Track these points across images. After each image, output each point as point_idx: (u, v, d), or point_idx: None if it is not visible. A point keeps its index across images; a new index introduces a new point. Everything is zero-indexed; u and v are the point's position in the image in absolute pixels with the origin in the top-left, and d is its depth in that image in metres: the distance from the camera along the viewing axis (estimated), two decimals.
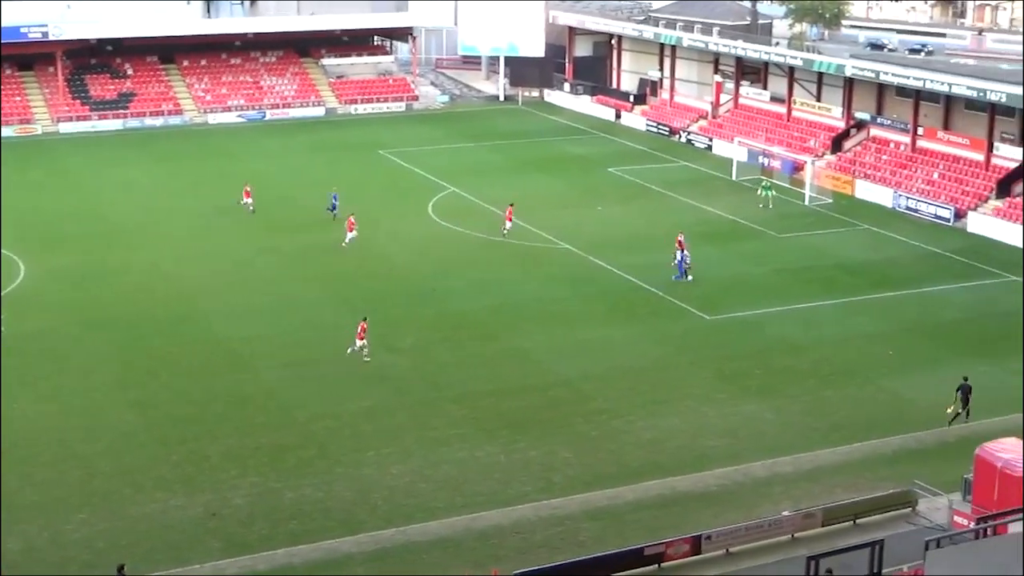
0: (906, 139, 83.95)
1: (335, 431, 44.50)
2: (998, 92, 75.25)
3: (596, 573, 34.74)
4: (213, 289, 60.26)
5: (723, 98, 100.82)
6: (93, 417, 45.29)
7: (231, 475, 41.03)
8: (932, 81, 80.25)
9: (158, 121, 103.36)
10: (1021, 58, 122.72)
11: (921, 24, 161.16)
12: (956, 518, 36.81)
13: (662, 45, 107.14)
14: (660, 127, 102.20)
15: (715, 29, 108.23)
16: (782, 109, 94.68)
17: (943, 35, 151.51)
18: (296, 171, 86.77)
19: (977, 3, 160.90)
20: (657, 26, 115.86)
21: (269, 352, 52.12)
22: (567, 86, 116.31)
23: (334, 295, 59.46)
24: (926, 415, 46.41)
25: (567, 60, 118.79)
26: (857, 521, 38.31)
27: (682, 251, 61.96)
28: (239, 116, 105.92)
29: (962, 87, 78.09)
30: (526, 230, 70.05)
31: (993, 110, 77.62)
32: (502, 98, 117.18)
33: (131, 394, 47.52)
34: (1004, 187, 75.41)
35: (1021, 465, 34.70)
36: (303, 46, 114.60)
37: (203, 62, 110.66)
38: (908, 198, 77.73)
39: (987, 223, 72.76)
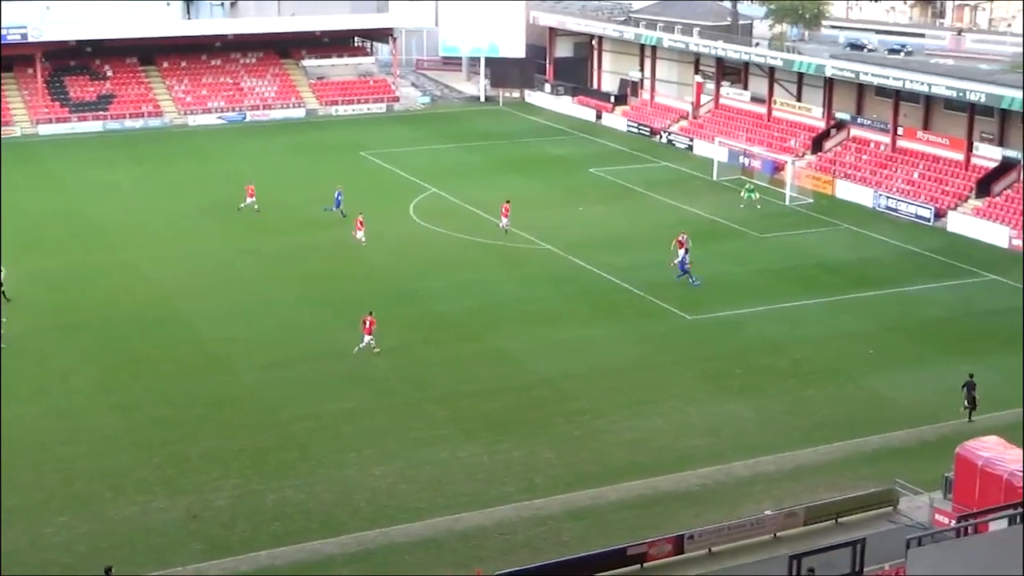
0: (886, 139, 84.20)
1: (317, 432, 44.42)
2: (977, 92, 75.51)
3: (579, 573, 34.76)
4: (194, 291, 60.10)
5: (704, 98, 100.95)
6: (74, 420, 45.12)
7: (213, 477, 40.92)
8: (912, 81, 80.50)
9: (138, 123, 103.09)
10: (999, 58, 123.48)
11: (900, 24, 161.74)
12: (937, 516, 36.92)
13: (642, 46, 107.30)
14: (641, 127, 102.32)
15: (695, 30, 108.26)
16: (762, 109, 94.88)
17: (922, 35, 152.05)
18: (277, 173, 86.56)
19: (956, 3, 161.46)
20: (637, 27, 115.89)
21: (250, 354, 52.00)
22: (548, 87, 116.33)
23: (315, 296, 59.35)
24: (907, 414, 46.58)
25: (548, 61, 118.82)
26: (839, 520, 38.42)
27: (683, 251, 61.92)
28: (219, 118, 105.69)
29: (941, 87, 78.34)
30: (508, 231, 69.97)
31: (972, 110, 77.88)
32: (483, 99, 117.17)
33: (112, 396, 47.36)
34: (984, 187, 75.70)
35: (1001, 464, 34.79)
36: (283, 47, 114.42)
37: (183, 63, 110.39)
38: (888, 198, 77.96)
39: (967, 222, 73.01)
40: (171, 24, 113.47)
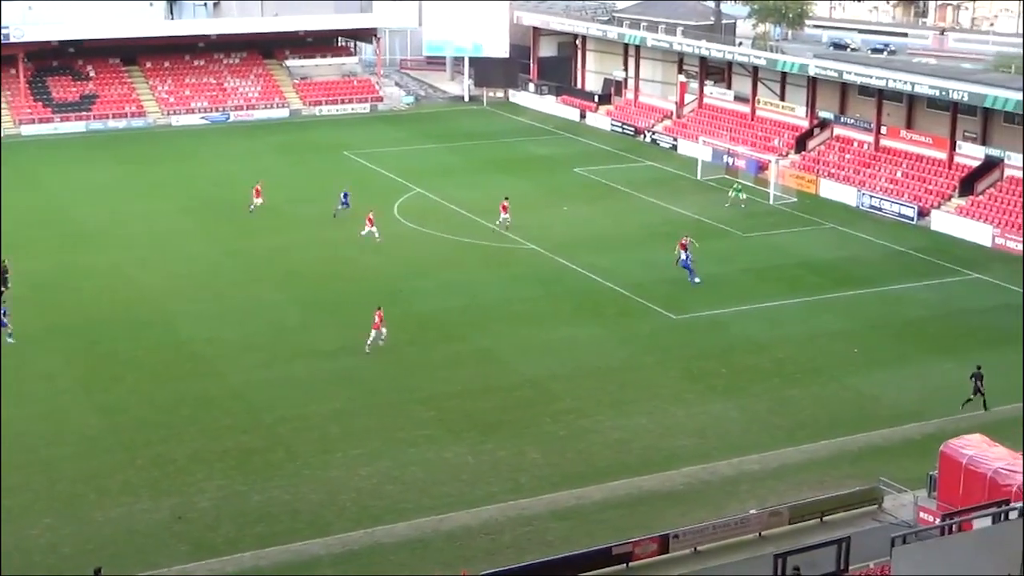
0: (869, 138, 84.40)
1: (302, 433, 44.37)
2: (960, 91, 75.77)
3: (564, 573, 34.78)
4: (178, 292, 59.95)
5: (687, 98, 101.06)
6: (58, 421, 44.98)
7: (197, 478, 40.85)
8: (895, 80, 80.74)
9: (121, 123, 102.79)
10: (982, 57, 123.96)
11: (883, 24, 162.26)
12: (921, 514, 37.03)
13: (626, 45, 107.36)
14: (625, 127, 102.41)
15: (679, 29, 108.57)
16: (746, 109, 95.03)
17: (905, 35, 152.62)
18: (261, 173, 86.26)
19: (939, 3, 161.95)
20: (621, 26, 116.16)
21: (235, 355, 51.92)
22: (532, 86, 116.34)
23: (300, 297, 59.29)
24: (891, 412, 46.74)
25: (532, 60, 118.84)
26: (824, 518, 38.52)
27: (685, 251, 61.98)
28: (203, 118, 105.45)
29: (924, 86, 78.59)
30: (492, 231, 70.01)
31: (955, 109, 78.12)
32: (467, 99, 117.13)
33: (96, 398, 47.24)
34: (967, 185, 75.92)
35: (985, 462, 34.91)
36: (267, 47, 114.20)
37: (166, 64, 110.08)
38: (872, 197, 78.16)
39: (950, 221, 73.23)
40: (154, 24, 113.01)
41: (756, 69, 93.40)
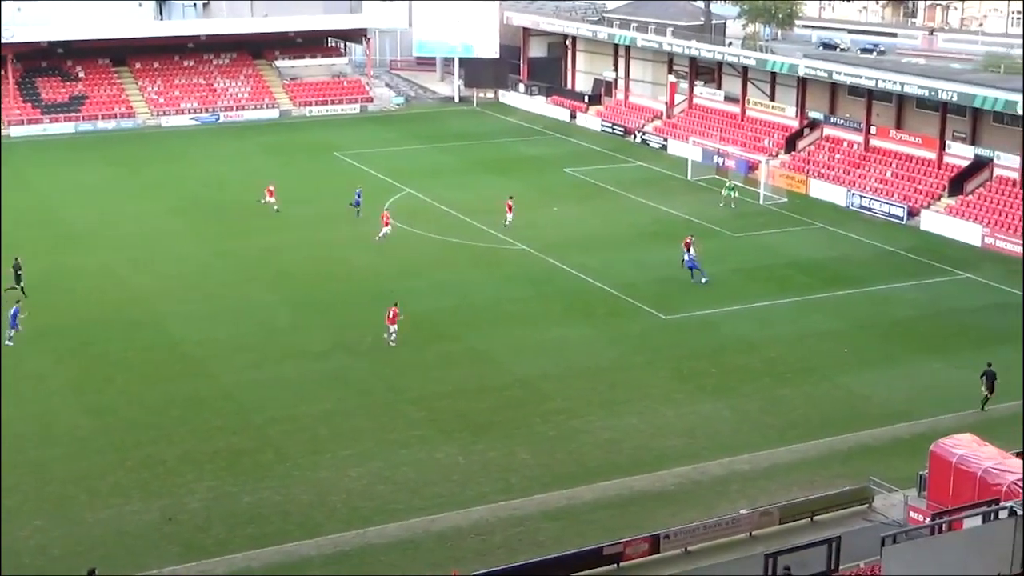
0: (859, 138, 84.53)
1: (293, 434, 44.33)
2: (949, 91, 75.88)
3: (555, 573, 34.78)
4: (168, 293, 59.87)
5: (677, 98, 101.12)
6: (48, 423, 44.90)
7: (188, 479, 40.79)
8: (884, 80, 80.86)
9: (110, 124, 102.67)
10: (971, 57, 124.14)
11: (873, 24, 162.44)
12: (912, 514, 37.07)
13: (616, 46, 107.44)
14: (615, 127, 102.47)
15: (669, 30, 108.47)
16: (736, 109, 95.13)
17: (894, 35, 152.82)
18: (251, 174, 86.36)
19: (928, 3, 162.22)
20: (611, 27, 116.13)
21: (225, 356, 51.86)
22: (522, 87, 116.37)
23: (291, 298, 59.25)
24: (881, 412, 46.81)
25: (522, 61, 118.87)
26: (814, 518, 38.56)
27: (689, 251, 62.05)
28: (192, 119, 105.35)
29: (914, 86, 78.71)
30: (482, 231, 70.10)
31: (945, 109, 78.26)
32: (457, 99, 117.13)
33: (86, 399, 47.16)
34: (956, 185, 76.06)
35: (975, 461, 34.95)
36: (256, 48, 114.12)
37: (156, 64, 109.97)
38: (862, 197, 78.26)
39: (940, 221, 73.36)
40: (143, 25, 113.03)
41: (746, 69, 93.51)
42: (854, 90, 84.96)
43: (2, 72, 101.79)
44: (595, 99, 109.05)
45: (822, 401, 48.08)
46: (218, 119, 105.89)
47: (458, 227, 71.16)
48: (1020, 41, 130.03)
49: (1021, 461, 35.45)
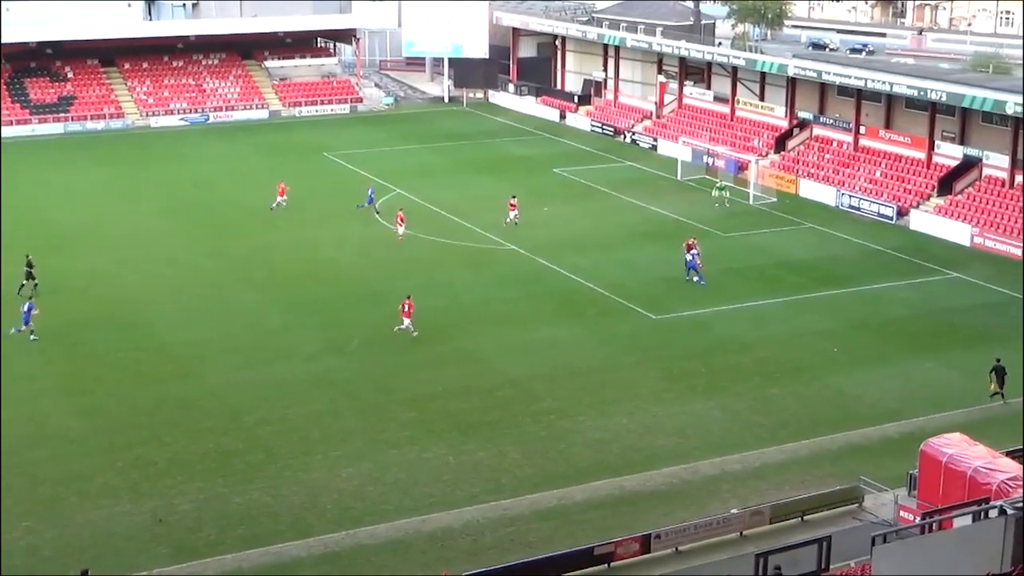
0: (848, 138, 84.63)
1: (283, 435, 44.27)
2: (938, 91, 76.00)
3: (546, 574, 34.77)
4: (158, 294, 59.76)
5: (667, 98, 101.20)
6: (37, 424, 44.79)
7: (178, 480, 40.72)
8: (873, 80, 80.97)
9: (99, 124, 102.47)
10: (960, 57, 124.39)
11: (862, 24, 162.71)
12: (902, 513, 37.14)
13: (606, 46, 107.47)
14: (605, 127, 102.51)
15: (658, 30, 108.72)
16: (726, 109, 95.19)
17: (884, 35, 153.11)
18: (241, 174, 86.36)
19: (917, 3, 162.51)
20: (601, 27, 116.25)
21: (215, 356, 51.78)
22: (511, 87, 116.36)
23: (281, 299, 59.17)
24: (872, 411, 46.87)
25: (511, 61, 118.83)
26: (805, 518, 38.59)
27: (690, 251, 62.12)
28: (182, 119, 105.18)
29: (903, 86, 78.82)
30: (472, 231, 70.07)
31: (934, 109, 78.37)
32: (447, 100, 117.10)
33: (76, 400, 47.06)
34: (945, 185, 76.16)
35: (965, 460, 35.03)
36: (246, 48, 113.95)
37: (145, 65, 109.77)
38: (851, 196, 78.36)
39: (929, 221, 73.47)
40: (132, 25, 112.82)
41: (735, 69, 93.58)
42: (843, 90, 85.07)
43: None
44: (585, 99, 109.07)
45: (812, 401, 48.12)
46: (207, 119, 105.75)
47: (448, 227, 71.13)
48: (1009, 41, 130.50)
49: (1010, 460, 35.58)
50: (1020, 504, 23.30)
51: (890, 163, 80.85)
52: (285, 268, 63.93)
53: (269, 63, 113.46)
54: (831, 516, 38.70)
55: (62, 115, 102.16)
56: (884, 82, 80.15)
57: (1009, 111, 71.00)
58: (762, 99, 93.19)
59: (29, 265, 59.18)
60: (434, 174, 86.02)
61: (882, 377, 50.26)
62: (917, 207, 75.46)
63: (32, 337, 52.59)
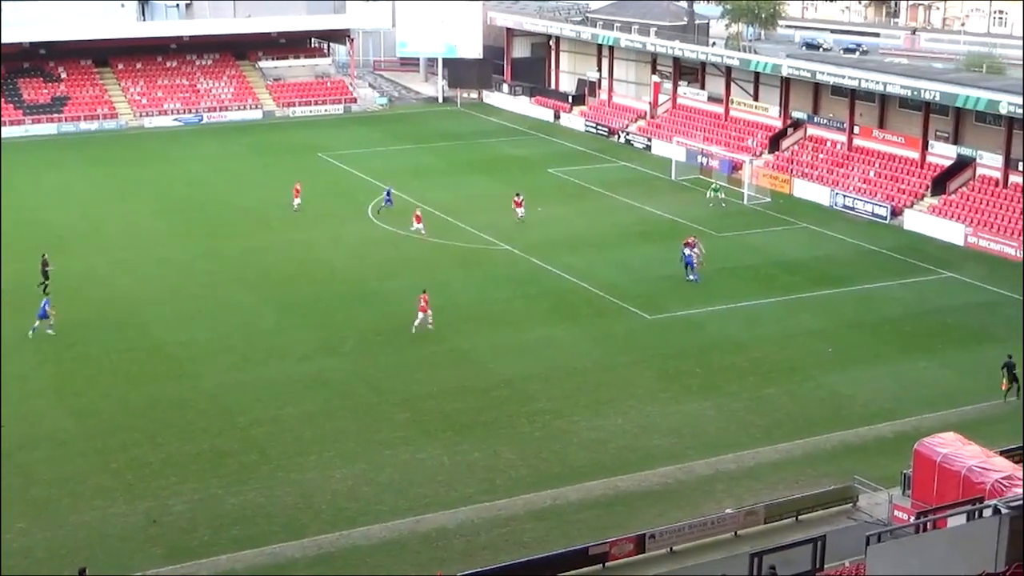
0: (842, 138, 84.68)
1: (277, 435, 44.22)
2: (932, 91, 76.08)
3: (541, 574, 34.76)
4: (151, 294, 59.70)
5: (661, 98, 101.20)
6: (31, 425, 44.68)
7: (172, 481, 40.67)
8: (867, 80, 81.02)
9: (93, 125, 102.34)
10: (953, 57, 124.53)
11: (856, 24, 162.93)
12: (896, 513, 37.15)
13: (600, 46, 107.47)
14: (599, 127, 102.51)
15: (652, 30, 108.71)
16: (720, 109, 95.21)
17: (877, 35, 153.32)
18: (235, 174, 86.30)
19: (910, 3, 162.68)
20: (595, 27, 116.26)
21: (209, 357, 51.73)
22: (505, 87, 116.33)
23: (275, 299, 59.12)
24: (866, 411, 46.90)
25: (505, 61, 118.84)
26: (799, 517, 38.61)
27: (691, 249, 62.21)
28: (175, 120, 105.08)
29: (896, 86, 78.87)
30: (466, 231, 70.04)
31: (927, 109, 78.45)
32: (441, 100, 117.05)
33: (69, 401, 46.99)
34: (939, 185, 76.22)
35: (959, 459, 35.04)
36: (240, 49, 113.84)
37: (138, 65, 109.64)
38: (845, 196, 78.41)
39: (923, 220, 73.51)
40: (126, 26, 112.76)
41: (729, 69, 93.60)
42: (837, 90, 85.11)
43: None
44: (579, 99, 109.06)
45: (807, 400, 48.14)
46: (201, 120, 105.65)
47: (442, 228, 71.07)
48: (1002, 40, 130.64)
49: (1004, 459, 35.59)
50: (1014, 503, 23.28)
51: (884, 163, 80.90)
52: (279, 268, 63.87)
53: (263, 63, 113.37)
54: (825, 516, 38.73)
55: (56, 115, 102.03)
56: (878, 82, 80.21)
57: (1002, 111, 71.08)
58: (756, 99, 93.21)
59: (45, 264, 59.59)
60: (428, 174, 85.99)
61: (876, 377, 50.29)
62: (911, 207, 75.50)
63: (30, 334, 52.74)
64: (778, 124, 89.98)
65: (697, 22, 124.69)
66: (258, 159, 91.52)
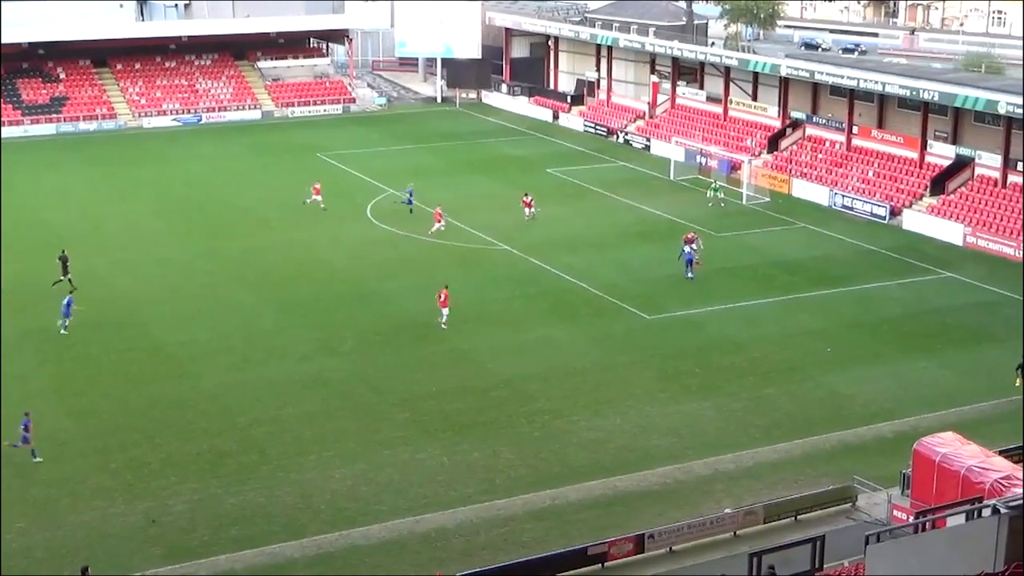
0: (841, 138, 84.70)
1: (276, 435, 44.24)
2: (931, 91, 76.09)
3: (540, 574, 34.79)
4: (151, 294, 59.70)
5: (660, 98, 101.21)
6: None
7: (171, 481, 40.69)
8: (866, 80, 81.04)
9: (92, 125, 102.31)
10: (952, 57, 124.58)
11: (854, 24, 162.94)
12: (895, 512, 37.17)
13: (599, 46, 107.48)
14: (598, 127, 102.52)
15: (651, 30, 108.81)
16: (719, 109, 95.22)
17: (876, 35, 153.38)
18: (234, 175, 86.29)
19: (909, 3, 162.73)
20: (593, 27, 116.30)
21: (209, 357, 51.74)
22: (504, 87, 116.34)
23: (274, 299, 59.12)
24: (865, 411, 46.93)
25: (504, 61, 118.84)
26: (798, 517, 38.64)
27: (690, 245, 62.29)
28: (174, 120, 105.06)
29: (895, 86, 78.89)
30: (465, 231, 70.05)
31: (926, 108, 78.47)
32: (439, 100, 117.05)
33: (69, 402, 46.99)
34: (938, 184, 76.24)
35: (958, 459, 35.06)
36: (238, 49, 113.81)
37: (137, 65, 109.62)
38: (844, 196, 78.43)
39: (922, 220, 73.53)
40: (124, 26, 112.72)
41: (728, 69, 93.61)
42: (836, 90, 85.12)
43: None
44: (578, 99, 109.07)
45: (806, 400, 48.16)
46: (200, 120, 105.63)
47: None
48: (1001, 40, 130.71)
49: (1003, 459, 35.62)
50: (1013, 503, 23.29)
51: (883, 163, 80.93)
52: (279, 269, 63.88)
53: (262, 63, 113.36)
54: (825, 515, 38.77)
55: (54, 116, 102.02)
56: (877, 82, 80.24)
57: (1001, 111, 71.11)
58: (755, 99, 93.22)
59: (64, 260, 59.74)
60: (427, 174, 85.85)
61: (875, 376, 50.31)
62: (910, 207, 75.52)
63: (63, 331, 53.29)
64: (777, 124, 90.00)
65: (696, 22, 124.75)
66: (257, 159, 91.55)
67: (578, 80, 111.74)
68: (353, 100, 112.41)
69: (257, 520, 38.42)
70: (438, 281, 60.83)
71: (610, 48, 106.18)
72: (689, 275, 61.92)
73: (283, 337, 53.96)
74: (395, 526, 38.15)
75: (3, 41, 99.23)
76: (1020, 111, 69.38)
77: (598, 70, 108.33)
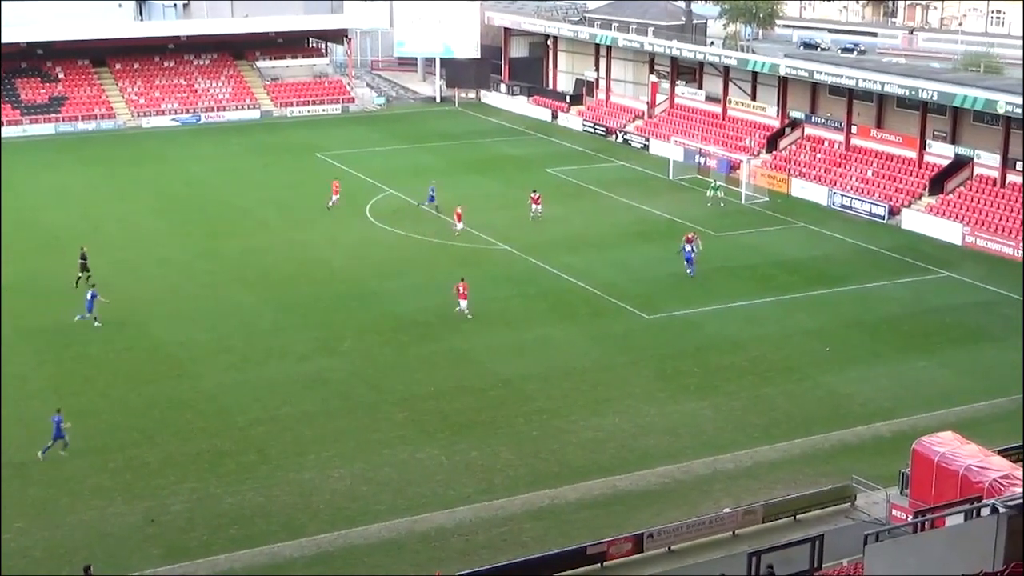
0: (840, 137, 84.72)
1: (275, 435, 44.24)
2: (929, 91, 76.11)
3: (539, 573, 34.78)
4: (150, 294, 59.68)
5: (659, 98, 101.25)
6: (28, 426, 44.59)
7: (170, 481, 40.69)
8: (865, 80, 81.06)
9: (91, 125, 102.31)
10: (951, 56, 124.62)
11: (853, 23, 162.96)
12: (894, 512, 37.17)
13: (598, 46, 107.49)
14: (597, 127, 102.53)
15: (650, 29, 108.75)
16: (717, 108, 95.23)
17: (875, 34, 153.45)
18: (233, 175, 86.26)
19: (908, 3, 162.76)
20: (592, 27, 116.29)
21: (208, 357, 51.72)
22: (503, 87, 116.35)
23: (273, 299, 59.11)
24: (864, 410, 46.93)
25: (503, 61, 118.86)
26: (797, 517, 38.65)
27: (690, 244, 62.36)
28: (173, 120, 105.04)
29: (894, 86, 78.91)
30: (465, 231, 69.97)
31: (925, 108, 78.49)
32: (438, 100, 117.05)
33: (68, 401, 46.88)
34: (937, 184, 76.25)
35: (957, 459, 35.07)
36: (237, 48, 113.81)
37: (136, 65, 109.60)
38: (843, 196, 78.45)
39: (921, 220, 73.55)
40: (123, 26, 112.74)
41: (727, 69, 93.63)
42: (835, 89, 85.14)
43: None
44: (577, 99, 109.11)
45: (805, 400, 48.16)
46: (199, 120, 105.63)
47: (440, 227, 71.06)
48: (999, 40, 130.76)
49: (1002, 459, 35.62)
50: (1012, 502, 23.30)
51: (882, 162, 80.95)
52: (278, 269, 63.87)
53: (260, 63, 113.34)
54: (823, 515, 38.78)
55: (53, 116, 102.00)
56: (875, 81, 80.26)
57: (1000, 110, 71.14)
58: (754, 99, 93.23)
59: (83, 257, 60.24)
60: (426, 174, 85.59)
61: (874, 376, 50.31)
62: (909, 206, 75.55)
63: (96, 324, 53.86)
64: (776, 124, 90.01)
65: (695, 22, 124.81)
66: (257, 159, 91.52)
67: (577, 80, 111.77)
68: (352, 100, 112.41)
69: (256, 520, 38.42)
70: (438, 281, 61.07)
71: (609, 48, 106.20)
72: (689, 271, 61.98)
73: (282, 337, 53.96)
74: (394, 526, 38.15)
75: (2, 41, 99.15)
76: (1019, 111, 69.43)
77: (597, 70, 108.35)
